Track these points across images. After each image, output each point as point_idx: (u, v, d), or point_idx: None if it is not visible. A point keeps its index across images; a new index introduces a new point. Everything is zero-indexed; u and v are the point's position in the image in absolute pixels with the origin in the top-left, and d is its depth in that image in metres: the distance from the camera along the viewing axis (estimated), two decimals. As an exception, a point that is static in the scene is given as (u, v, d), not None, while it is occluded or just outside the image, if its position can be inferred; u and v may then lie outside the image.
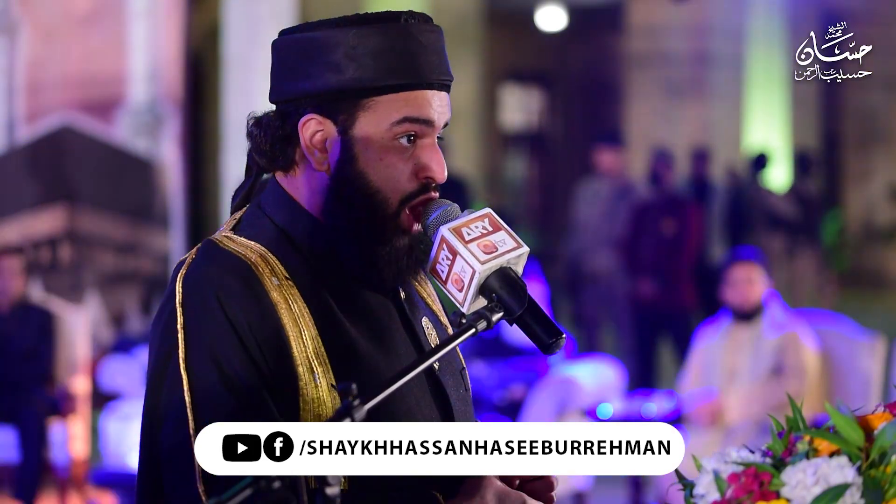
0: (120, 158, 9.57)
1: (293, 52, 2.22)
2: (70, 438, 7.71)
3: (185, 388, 2.11)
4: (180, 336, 2.14)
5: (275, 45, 2.27)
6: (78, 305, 8.86)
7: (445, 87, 2.24)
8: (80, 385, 7.82)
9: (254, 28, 8.89)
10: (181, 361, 2.13)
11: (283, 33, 2.27)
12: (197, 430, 2.07)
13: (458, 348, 2.28)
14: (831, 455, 1.82)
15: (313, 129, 2.20)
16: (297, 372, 2.14)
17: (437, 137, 2.25)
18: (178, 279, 2.18)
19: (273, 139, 2.22)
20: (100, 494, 7.80)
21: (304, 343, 2.15)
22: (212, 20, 11.73)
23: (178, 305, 2.16)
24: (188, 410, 2.11)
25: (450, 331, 2.38)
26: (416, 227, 2.23)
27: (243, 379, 2.11)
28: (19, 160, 9.39)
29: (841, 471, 1.79)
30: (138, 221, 9.61)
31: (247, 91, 8.99)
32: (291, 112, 2.21)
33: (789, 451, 1.85)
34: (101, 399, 8.20)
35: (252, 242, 2.22)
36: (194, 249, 2.24)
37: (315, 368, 2.14)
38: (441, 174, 2.23)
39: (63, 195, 9.40)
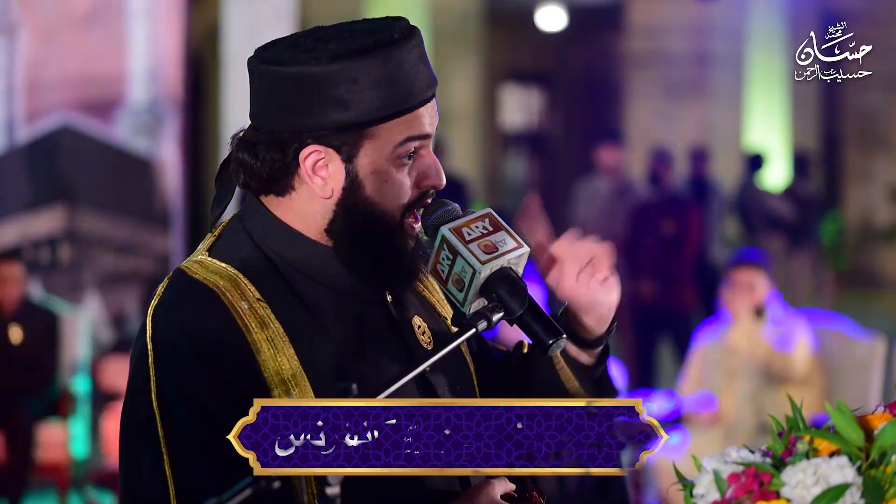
0: (120, 158, 9.57)
1: (288, 86, 2.19)
2: (70, 438, 7.71)
3: (159, 424, 2.13)
4: (151, 372, 2.15)
5: (259, 73, 2.23)
6: (78, 305, 8.86)
7: (434, 95, 2.26)
8: (80, 385, 7.82)
9: (254, 28, 8.88)
10: (153, 398, 2.14)
11: (263, 60, 2.22)
12: (172, 466, 2.11)
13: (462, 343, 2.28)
14: (831, 455, 1.82)
15: (315, 159, 2.19)
16: (271, 395, 2.14)
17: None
18: (149, 312, 2.20)
19: (272, 169, 2.21)
20: (100, 494, 7.80)
21: (278, 363, 2.15)
22: (212, 20, 11.72)
23: (148, 340, 2.17)
24: (163, 448, 2.12)
25: (449, 322, 2.38)
26: (417, 226, 2.25)
27: (214, 413, 2.10)
28: (19, 160, 9.38)
29: (841, 471, 1.79)
30: (138, 221, 9.60)
31: (247, 91, 8.96)
32: (289, 141, 2.19)
33: (789, 451, 1.85)
34: (101, 399, 8.20)
35: (224, 265, 2.22)
36: (166, 279, 2.24)
37: (291, 388, 2.15)
38: (441, 180, 2.25)
39: (63, 195, 9.39)
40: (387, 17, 2.25)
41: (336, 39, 2.20)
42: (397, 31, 2.20)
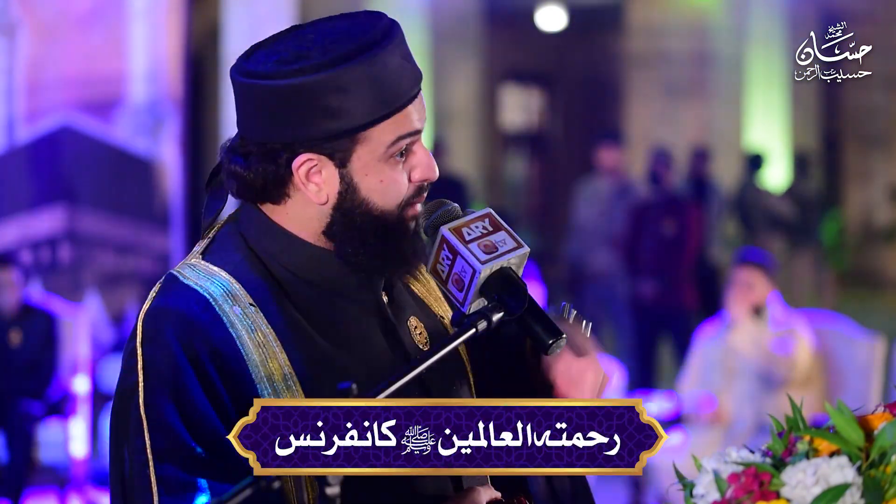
0: (120, 158, 9.57)
1: (275, 100, 2.15)
2: (70, 438, 7.71)
3: (146, 430, 2.11)
4: (140, 376, 2.14)
5: (244, 87, 2.18)
6: (78, 305, 8.86)
7: (419, 90, 2.25)
8: (80, 385, 7.83)
9: (254, 28, 8.88)
10: (141, 403, 2.13)
11: (247, 74, 2.18)
12: (157, 474, 2.09)
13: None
14: (831, 455, 1.82)
15: (309, 167, 2.18)
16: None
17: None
18: (139, 317, 2.18)
19: (265, 180, 2.20)
20: (100, 494, 7.80)
21: (269, 368, 2.14)
22: (212, 20, 11.72)
23: (138, 345, 2.16)
24: (149, 454, 2.11)
25: (446, 321, 2.38)
26: (415, 211, 2.24)
27: (202, 419, 2.10)
28: (19, 160, 9.38)
29: (841, 471, 1.79)
30: (138, 221, 9.60)
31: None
32: (281, 152, 2.18)
33: (789, 451, 1.85)
34: (101, 399, 8.21)
35: (217, 269, 2.21)
36: (157, 284, 2.23)
37: (282, 393, 2.14)
38: (434, 173, 2.24)
39: (63, 195, 9.40)
40: (365, 14, 2.23)
41: (319, 47, 2.17)
42: (378, 32, 2.18)
